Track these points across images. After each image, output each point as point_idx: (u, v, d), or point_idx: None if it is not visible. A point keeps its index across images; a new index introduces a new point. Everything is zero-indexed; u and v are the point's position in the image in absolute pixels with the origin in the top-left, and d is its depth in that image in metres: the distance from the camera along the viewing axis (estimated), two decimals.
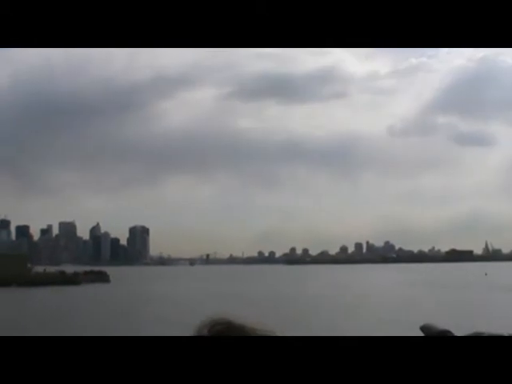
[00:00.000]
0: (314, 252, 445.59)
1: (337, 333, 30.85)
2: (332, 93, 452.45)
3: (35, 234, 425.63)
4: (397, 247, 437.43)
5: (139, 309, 65.26)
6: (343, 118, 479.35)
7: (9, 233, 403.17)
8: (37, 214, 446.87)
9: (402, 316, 45.77)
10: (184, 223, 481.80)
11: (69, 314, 59.50)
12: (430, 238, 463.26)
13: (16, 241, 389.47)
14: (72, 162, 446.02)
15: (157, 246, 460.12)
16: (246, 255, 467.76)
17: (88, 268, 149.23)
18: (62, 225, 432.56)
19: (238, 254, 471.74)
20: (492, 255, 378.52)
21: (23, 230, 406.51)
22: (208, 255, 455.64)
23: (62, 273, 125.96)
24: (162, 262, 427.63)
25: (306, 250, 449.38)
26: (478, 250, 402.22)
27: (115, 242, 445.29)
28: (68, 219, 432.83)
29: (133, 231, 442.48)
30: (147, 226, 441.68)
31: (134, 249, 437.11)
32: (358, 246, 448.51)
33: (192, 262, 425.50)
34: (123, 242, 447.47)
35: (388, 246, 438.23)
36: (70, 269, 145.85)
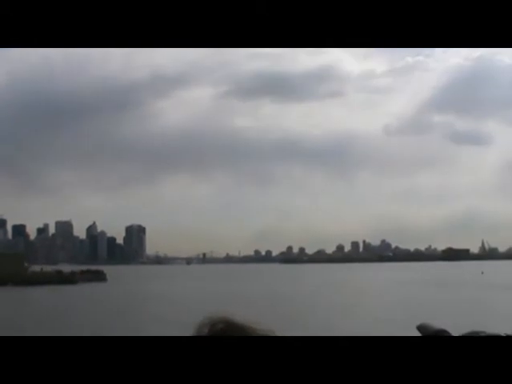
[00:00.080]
0: (310, 251, 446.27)
1: (333, 332, 30.93)
2: (328, 91, 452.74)
3: (31, 233, 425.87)
4: (393, 246, 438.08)
5: (137, 308, 65.37)
6: (339, 116, 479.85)
7: (5, 232, 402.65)
8: (33, 213, 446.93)
9: (399, 315, 45.87)
10: (181, 222, 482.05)
11: (66, 313, 59.49)
12: (426, 236, 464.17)
13: (12, 240, 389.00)
14: (69, 160, 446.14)
15: (153, 244, 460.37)
16: (242, 254, 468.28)
17: (84, 267, 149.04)
18: (59, 224, 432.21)
19: (234, 252, 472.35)
20: (488, 254, 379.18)
21: (19, 229, 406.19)
22: (205, 254, 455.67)
23: (59, 272, 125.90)
24: (159, 261, 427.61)
25: (302, 249, 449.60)
26: (475, 249, 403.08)
27: (112, 241, 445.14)
28: (64, 218, 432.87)
29: (129, 230, 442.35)
30: (144, 224, 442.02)
31: (130, 248, 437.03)
32: (355, 244, 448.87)
33: (188, 261, 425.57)
34: (120, 241, 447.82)
35: (384, 245, 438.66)
36: (66, 268, 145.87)
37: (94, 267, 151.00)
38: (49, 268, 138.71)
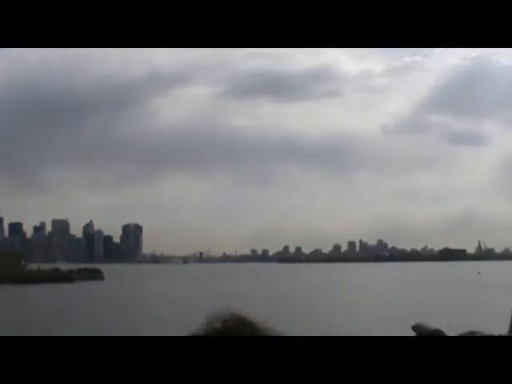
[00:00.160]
0: (307, 250, 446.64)
1: (330, 332, 30.93)
2: (326, 91, 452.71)
3: (28, 231, 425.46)
4: (390, 246, 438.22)
5: (134, 306, 65.31)
6: (337, 116, 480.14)
7: (2, 230, 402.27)
8: (30, 211, 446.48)
9: (397, 315, 45.85)
10: (177, 221, 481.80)
11: (66, 311, 59.46)
12: (423, 236, 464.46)
13: (9, 238, 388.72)
14: (66, 159, 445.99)
15: (150, 243, 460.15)
16: (239, 253, 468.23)
17: (81, 266, 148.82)
18: (55, 222, 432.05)
19: (231, 251, 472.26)
20: (485, 254, 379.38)
21: (16, 227, 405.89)
22: (201, 253, 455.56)
23: (56, 270, 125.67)
24: (155, 259, 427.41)
25: (299, 249, 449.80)
26: (471, 249, 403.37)
27: (108, 239, 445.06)
28: (61, 217, 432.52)
29: (126, 229, 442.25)
30: (141, 223, 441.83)
31: (127, 246, 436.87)
32: (351, 244, 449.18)
33: (185, 259, 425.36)
34: (116, 239, 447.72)
35: (381, 245, 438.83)
36: (62, 266, 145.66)
37: (90, 266, 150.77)
38: (46, 266, 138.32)
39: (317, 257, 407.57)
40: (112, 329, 43.18)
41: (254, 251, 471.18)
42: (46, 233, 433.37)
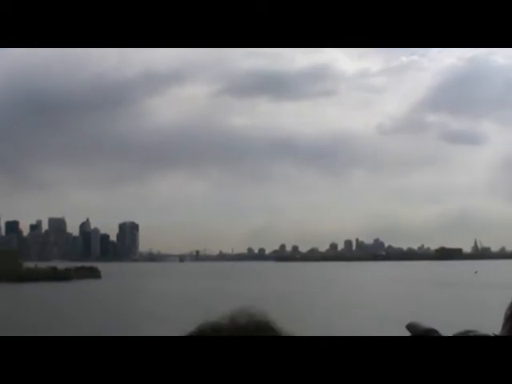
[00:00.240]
0: (303, 249, 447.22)
1: (325, 331, 31.04)
2: (323, 90, 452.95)
3: (24, 229, 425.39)
4: (386, 245, 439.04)
5: (131, 304, 65.44)
6: (334, 115, 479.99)
7: None
8: (26, 209, 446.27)
9: (391, 314, 45.97)
10: (174, 219, 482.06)
11: (65, 309, 59.58)
12: (419, 235, 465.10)
13: (5, 236, 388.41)
14: (63, 157, 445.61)
15: (146, 242, 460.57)
16: (235, 252, 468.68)
17: (77, 264, 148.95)
18: (52, 221, 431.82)
19: (227, 250, 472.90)
20: (481, 253, 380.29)
21: (13, 226, 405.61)
22: (198, 251, 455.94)
23: (54, 268, 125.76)
24: (152, 258, 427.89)
25: (295, 247, 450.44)
26: (468, 248, 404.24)
27: (105, 238, 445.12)
28: (58, 215, 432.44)
29: (122, 227, 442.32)
30: (137, 221, 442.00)
31: (123, 245, 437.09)
32: (348, 243, 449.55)
33: (182, 258, 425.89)
34: (113, 238, 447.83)
35: (377, 244, 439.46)
36: (59, 265, 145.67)
37: (86, 264, 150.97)
38: (42, 265, 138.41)
39: (313, 255, 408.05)
40: (111, 326, 43.40)
41: (250, 250, 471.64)
42: (43, 231, 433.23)
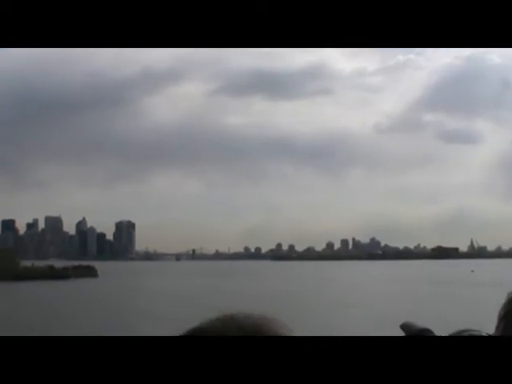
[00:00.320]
0: (300, 248, 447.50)
1: (321, 331, 31.22)
2: (319, 89, 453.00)
3: (21, 228, 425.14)
4: (383, 244, 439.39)
5: (129, 303, 65.58)
6: (330, 114, 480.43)
7: None
8: (23, 208, 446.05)
9: (394, 313, 46.13)
10: (170, 218, 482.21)
11: (64, 308, 59.64)
12: (416, 234, 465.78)
13: (2, 235, 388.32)
14: (59, 156, 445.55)
15: (143, 240, 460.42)
16: (232, 251, 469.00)
17: (74, 263, 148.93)
18: (48, 219, 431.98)
19: (224, 249, 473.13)
20: (477, 252, 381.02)
21: (9, 224, 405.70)
22: (194, 250, 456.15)
23: (51, 267, 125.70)
24: (148, 256, 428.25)
25: (292, 246, 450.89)
26: (464, 248, 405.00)
27: (101, 236, 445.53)
28: (54, 214, 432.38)
29: (119, 226, 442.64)
30: (133, 220, 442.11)
31: (120, 244, 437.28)
32: (344, 242, 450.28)
33: (178, 257, 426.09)
34: (109, 236, 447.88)
35: (374, 243, 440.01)
36: (55, 263, 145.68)
37: (83, 263, 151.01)
38: (39, 263, 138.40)
39: (310, 255, 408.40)
40: (110, 325, 43.56)
41: (246, 249, 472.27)
42: (39, 230, 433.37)
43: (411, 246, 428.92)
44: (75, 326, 42.83)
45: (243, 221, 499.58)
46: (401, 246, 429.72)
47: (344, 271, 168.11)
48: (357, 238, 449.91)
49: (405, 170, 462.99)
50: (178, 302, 63.28)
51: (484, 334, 2.24)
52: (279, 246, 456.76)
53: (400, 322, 2.51)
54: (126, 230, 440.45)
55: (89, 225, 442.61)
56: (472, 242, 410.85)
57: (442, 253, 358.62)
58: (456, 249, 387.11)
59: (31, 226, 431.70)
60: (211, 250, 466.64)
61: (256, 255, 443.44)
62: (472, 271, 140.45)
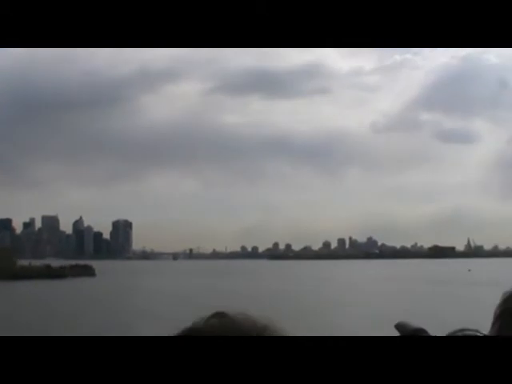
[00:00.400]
0: (296, 247, 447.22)
1: (316, 331, 31.24)
2: (317, 88, 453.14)
3: (18, 227, 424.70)
4: (380, 243, 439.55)
5: (127, 302, 65.62)
6: (328, 113, 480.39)
7: None
8: (19, 207, 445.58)
9: (392, 312, 46.19)
10: (167, 217, 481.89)
11: (60, 307, 59.69)
12: (412, 233, 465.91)
13: None
14: (56, 155, 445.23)
15: (140, 240, 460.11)
16: (229, 250, 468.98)
17: (71, 262, 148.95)
18: (45, 218, 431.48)
19: (221, 248, 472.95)
20: (474, 252, 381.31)
21: (5, 224, 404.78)
22: (191, 250, 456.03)
23: (48, 266, 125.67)
24: (145, 256, 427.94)
25: (288, 246, 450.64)
26: (461, 247, 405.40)
27: (98, 235, 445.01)
28: (51, 213, 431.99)
29: (116, 225, 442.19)
30: (130, 219, 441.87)
31: (116, 243, 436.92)
32: (341, 241, 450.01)
33: (175, 256, 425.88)
34: (106, 236, 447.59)
35: (371, 242, 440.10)
36: (52, 262, 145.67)
37: (80, 262, 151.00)
38: (36, 263, 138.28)
39: (306, 254, 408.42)
40: (108, 324, 43.66)
41: (243, 248, 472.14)
42: (36, 229, 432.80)
43: (408, 246, 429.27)
44: (74, 325, 42.88)
45: (240, 220, 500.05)
46: (398, 246, 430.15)
47: (341, 270, 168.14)
48: (354, 238, 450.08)
49: (402, 169, 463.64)
50: (176, 301, 63.30)
51: (479, 334, 2.24)
52: (276, 245, 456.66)
53: (397, 320, 2.59)
54: (122, 229, 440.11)
55: (86, 224, 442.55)
56: (469, 242, 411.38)
57: (439, 252, 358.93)
58: (453, 248, 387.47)
59: (28, 225, 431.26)
60: (208, 250, 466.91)
61: (253, 254, 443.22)
62: (469, 270, 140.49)
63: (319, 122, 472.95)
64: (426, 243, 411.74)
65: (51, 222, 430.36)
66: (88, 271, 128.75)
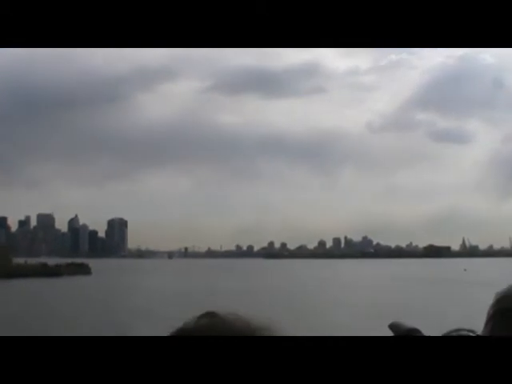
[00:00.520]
0: (292, 246, 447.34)
1: (308, 330, 31.22)
2: (313, 88, 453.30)
3: (13, 225, 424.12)
4: (375, 242, 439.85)
5: (123, 301, 65.60)
6: (323, 113, 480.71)
7: None
8: (15, 205, 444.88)
9: (391, 312, 46.21)
10: (163, 216, 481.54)
11: (57, 306, 59.64)
12: (407, 233, 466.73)
13: None
14: (51, 154, 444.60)
15: (135, 238, 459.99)
16: (224, 249, 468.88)
17: (66, 260, 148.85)
18: (40, 217, 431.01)
19: (216, 247, 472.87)
20: (469, 251, 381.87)
21: (1, 222, 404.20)
22: (186, 248, 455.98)
23: (44, 265, 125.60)
24: (140, 254, 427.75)
25: (284, 244, 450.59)
26: (456, 246, 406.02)
27: (93, 234, 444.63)
28: (46, 211, 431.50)
29: (111, 223, 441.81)
30: (126, 218, 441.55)
31: (112, 241, 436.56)
32: (336, 240, 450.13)
33: (170, 254, 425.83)
34: (101, 234, 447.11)
35: (366, 241, 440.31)
36: (48, 261, 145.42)
37: (75, 260, 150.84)
38: (32, 261, 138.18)
39: (302, 253, 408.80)
40: (107, 323, 43.65)
41: (238, 247, 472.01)
42: (31, 227, 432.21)
43: (403, 245, 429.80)
44: (73, 324, 42.88)
45: (236, 219, 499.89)
46: (393, 245, 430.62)
47: (337, 269, 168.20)
48: (349, 237, 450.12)
49: (397, 168, 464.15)
50: (172, 299, 63.32)
51: (472, 334, 2.24)
52: (271, 244, 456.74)
53: (393, 319, 2.59)
54: (118, 227, 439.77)
55: (81, 222, 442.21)
56: (464, 241, 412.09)
57: (434, 251, 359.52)
58: (448, 247, 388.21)
59: (23, 223, 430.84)
60: (203, 248, 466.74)
61: (248, 253, 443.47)
62: (465, 270, 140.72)
63: (315, 122, 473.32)
64: (421, 243, 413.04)
65: (46, 220, 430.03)
66: (84, 269, 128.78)
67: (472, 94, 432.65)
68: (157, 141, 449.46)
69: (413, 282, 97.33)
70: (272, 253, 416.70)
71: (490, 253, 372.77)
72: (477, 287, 73.19)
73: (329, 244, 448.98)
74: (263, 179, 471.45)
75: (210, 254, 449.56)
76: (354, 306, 57.70)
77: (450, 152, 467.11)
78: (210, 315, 1.50)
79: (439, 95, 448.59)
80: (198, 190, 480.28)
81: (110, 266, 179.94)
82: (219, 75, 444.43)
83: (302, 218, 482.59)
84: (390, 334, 2.54)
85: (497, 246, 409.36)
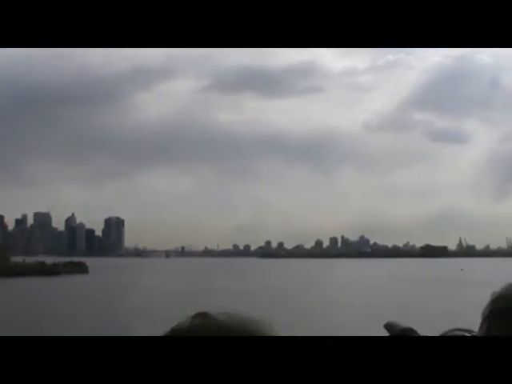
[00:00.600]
0: (289, 246, 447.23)
1: (304, 330, 31.45)
2: (310, 87, 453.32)
3: (10, 224, 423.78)
4: (372, 242, 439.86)
5: (121, 299, 65.77)
6: (321, 112, 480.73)
7: None
8: (11, 203, 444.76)
9: (390, 311, 46.38)
10: (160, 215, 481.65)
11: (56, 305, 59.79)
12: (404, 233, 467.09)
13: None
14: (48, 152, 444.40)
15: (132, 237, 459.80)
16: (221, 248, 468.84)
17: (64, 259, 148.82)
18: (37, 215, 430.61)
19: (213, 246, 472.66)
20: (466, 251, 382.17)
21: None
22: (183, 247, 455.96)
23: (42, 263, 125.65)
24: (138, 253, 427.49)
25: (281, 244, 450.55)
26: (452, 246, 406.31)
27: (90, 232, 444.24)
28: (43, 209, 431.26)
29: (108, 222, 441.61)
30: (123, 217, 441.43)
31: (109, 240, 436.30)
32: (333, 240, 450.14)
33: (167, 254, 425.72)
34: (98, 233, 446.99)
35: (363, 241, 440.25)
36: (46, 259, 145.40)
37: (72, 259, 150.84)
38: (29, 259, 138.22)
39: (299, 252, 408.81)
40: (106, 322, 43.84)
41: (235, 246, 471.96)
42: (28, 226, 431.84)
43: (400, 245, 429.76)
44: (72, 324, 43.05)
45: (233, 218, 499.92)
46: (390, 245, 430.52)
47: (334, 269, 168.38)
48: (346, 236, 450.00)
49: (394, 168, 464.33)
50: (169, 298, 63.49)
51: (467, 334, 2.25)
52: (268, 243, 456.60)
53: (390, 319, 2.60)
54: (115, 226, 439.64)
55: (78, 221, 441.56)
56: (460, 241, 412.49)
57: (431, 251, 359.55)
58: (445, 247, 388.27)
59: (20, 221, 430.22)
60: (200, 247, 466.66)
61: (245, 252, 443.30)
62: (462, 269, 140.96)
63: (313, 121, 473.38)
64: (418, 242, 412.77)
65: (43, 219, 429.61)
66: (81, 268, 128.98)
67: (469, 94, 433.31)
68: (154, 140, 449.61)
69: (410, 282, 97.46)
70: (269, 252, 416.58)
71: (487, 253, 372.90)
72: (474, 287, 73.45)
73: (326, 243, 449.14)
74: (260, 178, 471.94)
75: (207, 253, 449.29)
76: (351, 305, 57.84)
77: (448, 152, 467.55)
78: (202, 315, 1.49)
79: (436, 95, 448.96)
80: (195, 190, 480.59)
81: (108, 264, 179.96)
82: (217, 74, 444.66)
83: (299, 217, 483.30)
84: (385, 333, 2.51)
85: (493, 246, 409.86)
